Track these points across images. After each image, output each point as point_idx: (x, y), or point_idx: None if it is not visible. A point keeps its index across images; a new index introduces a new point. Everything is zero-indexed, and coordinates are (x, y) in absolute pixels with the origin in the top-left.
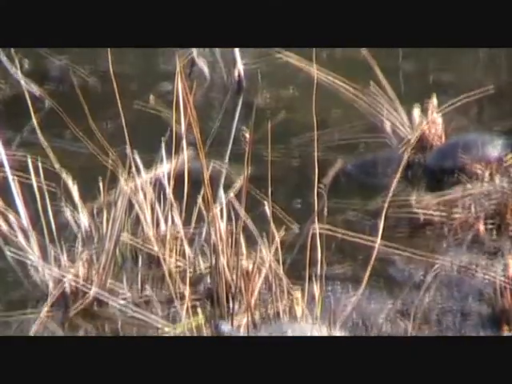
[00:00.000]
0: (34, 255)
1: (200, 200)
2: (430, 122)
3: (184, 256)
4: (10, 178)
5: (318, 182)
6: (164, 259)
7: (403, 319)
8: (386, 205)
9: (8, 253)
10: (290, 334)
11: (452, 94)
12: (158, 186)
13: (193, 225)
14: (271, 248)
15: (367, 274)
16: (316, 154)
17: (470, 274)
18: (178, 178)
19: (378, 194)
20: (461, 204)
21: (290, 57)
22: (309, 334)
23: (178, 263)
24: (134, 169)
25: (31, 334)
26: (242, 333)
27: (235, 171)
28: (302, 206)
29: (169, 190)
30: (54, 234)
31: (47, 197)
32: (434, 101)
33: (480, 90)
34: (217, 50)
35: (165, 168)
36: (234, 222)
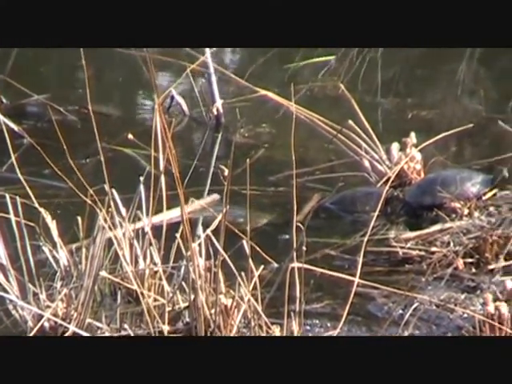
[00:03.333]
0: (13, 293)
1: (178, 237)
2: (408, 157)
3: (163, 293)
4: None
5: (296, 219)
6: (143, 296)
7: None
8: (365, 241)
9: None
10: None
11: (431, 131)
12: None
13: (171, 262)
14: (250, 285)
15: (346, 310)
16: (294, 191)
17: (449, 310)
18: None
19: (357, 230)
20: (439, 240)
21: (269, 93)
22: None
23: (157, 300)
24: (112, 206)
25: None
26: None
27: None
28: (281, 243)
29: (147, 227)
30: (33, 271)
31: (26, 234)
32: (413, 137)
33: (460, 128)
34: (195, 87)
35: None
36: (212, 258)
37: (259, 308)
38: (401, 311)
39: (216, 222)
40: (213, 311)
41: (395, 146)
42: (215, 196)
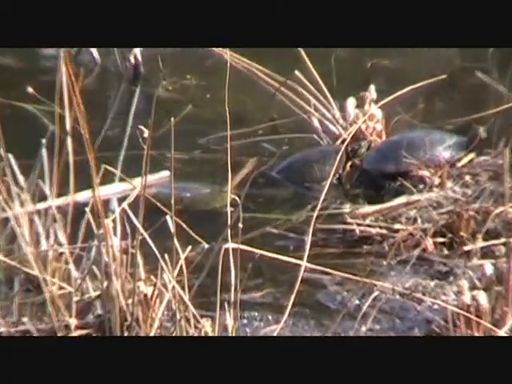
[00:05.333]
0: None
1: (88, 212)
2: (367, 115)
3: (69, 279)
4: None
5: (232, 191)
6: (45, 282)
7: None
8: (314, 217)
9: None
10: None
11: (395, 83)
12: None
13: (80, 242)
14: (175, 269)
15: (291, 300)
16: (229, 157)
17: (416, 300)
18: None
19: (305, 204)
20: (404, 215)
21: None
22: None
23: (62, 288)
24: (8, 174)
25: None
26: None
27: (133, 176)
28: (213, 220)
29: (51, 200)
30: None
31: None
32: (373, 91)
33: (429, 80)
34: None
35: (45, 171)
36: (129, 238)
37: (186, 297)
38: (357, 302)
39: (134, 194)
40: (130, 301)
41: (351, 102)
42: (164, 173)
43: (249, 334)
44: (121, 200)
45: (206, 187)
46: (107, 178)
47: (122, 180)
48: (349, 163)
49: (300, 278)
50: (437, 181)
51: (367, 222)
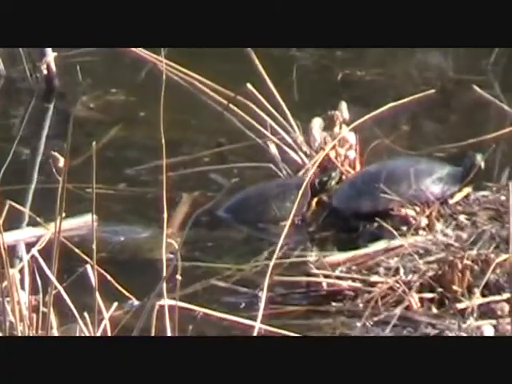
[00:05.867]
0: None
1: None
2: (336, 140)
3: None
4: None
5: (168, 233)
6: None
7: None
8: (270, 266)
9: None
10: None
11: (372, 99)
12: None
13: None
14: (97, 331)
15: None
16: (164, 191)
17: None
18: None
19: (260, 250)
20: (383, 265)
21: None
22: None
23: None
24: None
25: None
26: None
27: (45, 215)
28: (148, 270)
29: None
30: None
31: None
32: (344, 110)
33: (416, 96)
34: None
35: None
36: (41, 292)
37: None
38: None
39: (46, 237)
40: None
41: (317, 123)
42: (88, 218)
43: None
44: (30, 245)
45: (144, 230)
46: (13, 218)
47: (31, 220)
48: (314, 200)
49: None
50: (424, 222)
51: (337, 273)
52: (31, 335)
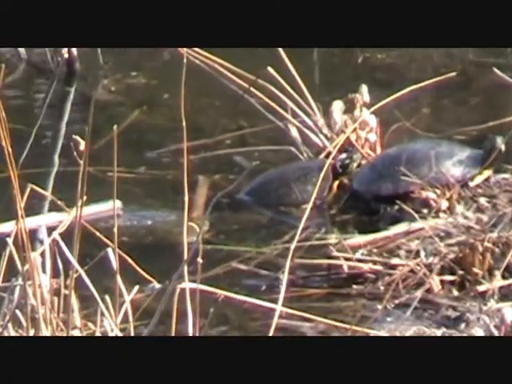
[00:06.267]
0: None
1: (11, 243)
2: (357, 123)
3: None
4: None
5: (189, 216)
6: None
7: None
8: (291, 249)
9: None
10: None
11: (393, 83)
12: None
13: (0, 280)
14: (118, 315)
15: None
16: (185, 173)
17: None
18: None
19: (281, 233)
20: (404, 248)
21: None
22: None
23: None
24: None
25: None
26: None
27: (67, 199)
28: (167, 255)
29: None
30: None
31: None
32: (365, 93)
33: (436, 79)
34: None
35: None
36: (62, 276)
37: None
38: None
39: (68, 221)
40: None
41: (338, 106)
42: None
43: None
44: (52, 229)
45: (171, 214)
46: (35, 202)
47: (53, 204)
48: (336, 182)
49: (274, 326)
50: (444, 204)
51: (358, 255)
52: (45, 335)
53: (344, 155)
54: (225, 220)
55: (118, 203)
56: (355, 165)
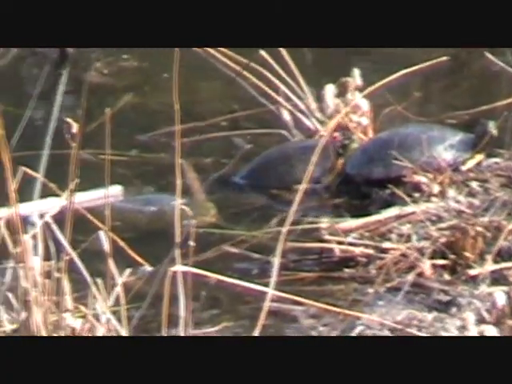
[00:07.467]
0: None
1: (2, 226)
2: (349, 106)
3: None
4: None
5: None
6: None
7: None
8: (283, 233)
9: None
10: None
11: (385, 66)
12: None
13: None
14: (110, 297)
15: (255, 335)
16: (178, 157)
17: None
18: None
19: (272, 216)
20: (396, 232)
21: None
22: None
23: None
24: None
25: None
26: None
27: (58, 182)
28: (159, 239)
29: None
30: None
31: None
32: (357, 76)
33: (428, 63)
34: None
35: None
36: (54, 258)
37: (123, 332)
38: None
39: (61, 203)
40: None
41: (330, 90)
42: (113, 189)
43: None
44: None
45: (171, 198)
46: (27, 184)
47: (46, 187)
48: (340, 161)
49: (265, 310)
50: (436, 188)
51: (349, 239)
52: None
53: (344, 137)
54: (223, 203)
55: (119, 188)
56: (356, 145)
